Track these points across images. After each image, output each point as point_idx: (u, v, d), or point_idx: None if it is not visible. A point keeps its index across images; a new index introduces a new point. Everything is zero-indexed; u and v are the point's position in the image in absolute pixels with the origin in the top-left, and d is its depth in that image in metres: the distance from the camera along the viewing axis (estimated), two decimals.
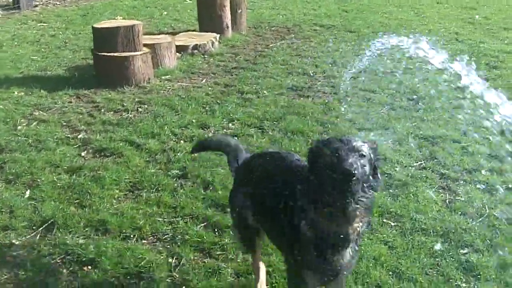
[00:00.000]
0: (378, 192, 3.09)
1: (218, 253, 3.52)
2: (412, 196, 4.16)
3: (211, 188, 4.25)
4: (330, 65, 7.51)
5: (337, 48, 8.34)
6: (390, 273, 3.35)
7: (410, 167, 4.63)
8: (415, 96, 6.32)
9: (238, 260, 3.44)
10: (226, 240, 3.62)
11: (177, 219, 3.88)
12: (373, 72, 7.15)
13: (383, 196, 4.12)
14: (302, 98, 6.26)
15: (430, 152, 4.90)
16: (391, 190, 4.25)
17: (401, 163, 4.68)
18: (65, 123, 5.53)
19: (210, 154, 4.76)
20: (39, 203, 4.03)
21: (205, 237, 3.65)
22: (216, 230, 3.75)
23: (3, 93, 6.29)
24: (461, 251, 3.57)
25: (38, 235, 3.68)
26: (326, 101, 6.15)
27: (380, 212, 3.95)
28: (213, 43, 8.18)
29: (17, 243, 3.59)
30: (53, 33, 9.20)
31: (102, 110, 5.86)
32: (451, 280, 3.30)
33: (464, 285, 3.27)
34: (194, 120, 5.55)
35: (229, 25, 8.87)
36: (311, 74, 7.10)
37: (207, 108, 5.90)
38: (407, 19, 10.49)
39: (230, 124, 5.50)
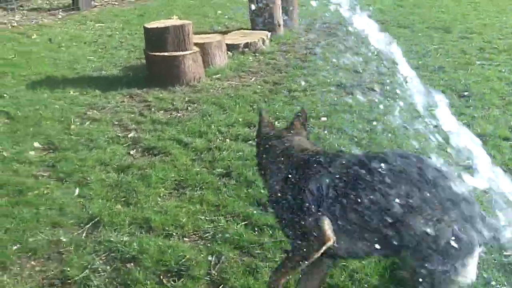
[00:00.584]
0: None
1: (257, 251, 3.58)
2: None
3: (253, 187, 4.31)
4: (380, 61, 7.43)
5: (388, 44, 8.24)
6: None
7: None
8: (466, 93, 6.21)
9: (276, 259, 3.48)
10: (265, 239, 3.67)
11: (219, 217, 3.96)
12: (424, 68, 7.07)
13: None
14: (350, 96, 6.25)
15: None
16: None
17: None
18: (116, 122, 5.70)
19: (253, 152, 4.83)
20: (87, 201, 4.18)
21: (244, 236, 3.71)
22: (256, 229, 3.80)
23: (59, 93, 6.52)
24: (505, 253, 3.52)
25: (85, 232, 3.83)
26: (374, 98, 6.11)
27: None
28: (264, 41, 8.24)
29: (64, 240, 3.74)
30: (110, 33, 9.45)
31: (153, 109, 6.00)
32: (492, 283, 3.25)
33: None
34: (240, 119, 5.62)
35: (281, 23, 8.91)
36: (361, 72, 7.06)
37: (254, 107, 5.97)
38: (464, 13, 10.27)
39: (276, 123, 5.54)
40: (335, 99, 6.13)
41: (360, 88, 6.47)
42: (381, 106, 5.84)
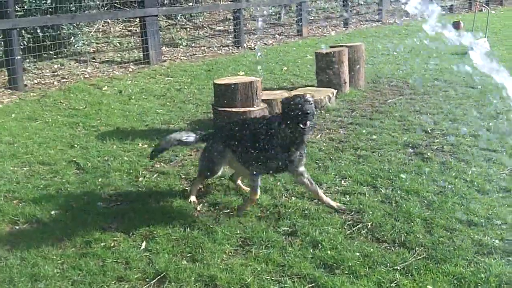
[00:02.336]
0: None
1: None
2: None
3: (320, 248, 4.22)
4: (450, 122, 7.31)
5: (458, 105, 8.12)
6: None
7: None
8: None
9: None
10: None
11: (284, 278, 3.88)
12: (495, 130, 6.90)
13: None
14: (418, 156, 6.12)
15: None
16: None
17: None
18: (183, 176, 5.74)
19: (320, 213, 4.77)
20: (154, 255, 4.18)
21: None
22: None
23: (129, 145, 6.65)
24: None
25: None
26: (444, 160, 5.96)
27: None
28: (329, 98, 8.23)
29: None
30: (178, 88, 9.66)
31: None
32: None
33: None
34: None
35: (347, 80, 8.91)
36: (429, 131, 6.94)
37: (320, 164, 5.91)
38: None
39: (342, 181, 5.47)
40: (403, 159, 6.01)
41: (429, 148, 6.33)
42: (452, 167, 5.70)
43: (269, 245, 4.31)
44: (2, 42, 9.66)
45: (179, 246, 4.33)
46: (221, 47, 13.85)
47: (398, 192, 5.18)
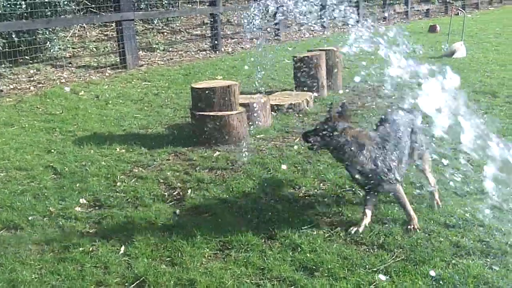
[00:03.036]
0: None
1: None
2: None
3: (299, 250, 4.23)
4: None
5: None
6: None
7: None
8: None
9: None
10: None
11: (264, 281, 3.88)
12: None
13: None
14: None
15: None
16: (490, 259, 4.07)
17: None
18: (162, 180, 5.72)
19: (299, 216, 4.78)
20: (133, 260, 4.16)
21: None
22: None
23: (106, 150, 6.61)
24: None
25: None
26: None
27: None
28: (308, 102, 8.28)
29: None
30: (156, 92, 9.64)
31: (198, 168, 6.02)
32: None
33: None
34: (284, 180, 5.59)
35: (325, 84, 8.96)
36: None
37: (298, 168, 5.94)
38: (510, 77, 10.18)
39: (321, 185, 5.49)
40: None
41: None
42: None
43: (248, 249, 4.30)
44: None
45: (158, 250, 4.31)
46: (199, 51, 13.85)
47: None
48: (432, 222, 4.62)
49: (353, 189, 5.31)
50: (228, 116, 6.73)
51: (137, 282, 3.88)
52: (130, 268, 4.05)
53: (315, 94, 8.74)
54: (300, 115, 7.94)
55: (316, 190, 5.38)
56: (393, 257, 4.13)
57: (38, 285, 3.86)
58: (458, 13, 20.63)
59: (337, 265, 4.02)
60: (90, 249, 4.33)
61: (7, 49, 10.59)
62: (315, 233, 4.50)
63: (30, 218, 4.89)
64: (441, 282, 3.79)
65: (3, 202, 5.20)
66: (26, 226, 4.75)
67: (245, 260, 4.13)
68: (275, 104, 8.00)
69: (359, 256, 4.16)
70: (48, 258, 4.21)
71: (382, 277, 3.85)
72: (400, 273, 3.92)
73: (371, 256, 4.16)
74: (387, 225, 4.60)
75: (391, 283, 3.82)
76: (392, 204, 4.93)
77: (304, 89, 8.73)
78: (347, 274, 3.91)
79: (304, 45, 14.40)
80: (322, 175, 5.69)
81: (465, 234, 4.42)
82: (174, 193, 5.40)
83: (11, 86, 10.02)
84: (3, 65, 10.73)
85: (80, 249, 4.33)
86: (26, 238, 4.54)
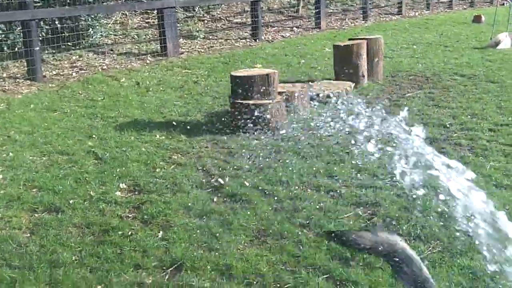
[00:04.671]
0: None
1: None
2: None
3: (335, 239, 4.23)
4: (469, 117, 7.27)
5: (477, 99, 8.08)
6: None
7: None
8: None
9: None
10: None
11: (299, 269, 3.90)
12: None
13: None
14: (436, 150, 6.08)
15: None
16: None
17: None
18: (200, 167, 5.78)
19: (335, 205, 4.78)
20: (171, 244, 4.22)
21: None
22: (338, 283, 3.72)
23: (146, 136, 6.70)
24: None
25: (167, 276, 3.86)
26: (462, 154, 5.94)
27: None
28: (347, 91, 8.22)
29: (147, 282, 3.78)
30: (195, 80, 9.69)
31: (235, 156, 6.06)
32: None
33: None
34: (321, 169, 5.58)
35: (365, 73, 8.89)
36: (448, 126, 6.91)
37: (336, 158, 5.92)
38: None
39: (358, 175, 5.47)
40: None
41: (447, 143, 6.31)
42: (469, 162, 5.67)
43: (284, 237, 4.33)
44: (21, 33, 9.74)
45: (195, 235, 4.36)
46: (239, 39, 13.86)
47: (415, 185, 5.16)
48: None
49: (392, 179, 5.27)
50: (267, 104, 6.74)
51: (174, 266, 3.95)
52: (168, 253, 4.12)
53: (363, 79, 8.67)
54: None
55: (353, 180, 5.36)
56: (430, 248, 4.10)
57: (78, 267, 3.95)
58: (504, 3, 20.17)
59: (373, 255, 4.00)
60: (129, 233, 4.41)
61: (50, 36, 10.80)
62: (351, 222, 4.50)
63: (71, 201, 4.99)
64: (478, 274, 3.76)
65: (45, 185, 5.32)
66: (67, 209, 4.86)
67: (280, 248, 4.16)
68: (314, 93, 7.97)
69: None
70: (88, 241, 4.31)
71: None
72: (437, 264, 3.89)
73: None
74: (424, 217, 4.56)
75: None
76: (429, 196, 4.88)
77: (344, 78, 8.67)
78: (382, 264, 3.89)
79: (345, 34, 14.30)
80: (360, 165, 5.66)
81: None
82: (211, 180, 5.45)
83: (54, 72, 10.21)
84: (46, 51, 10.94)
85: (119, 232, 4.41)
86: (67, 221, 4.64)
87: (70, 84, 9.26)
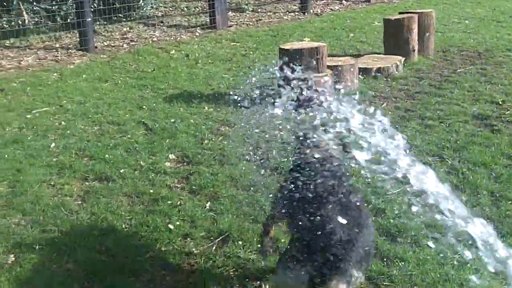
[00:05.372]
0: None
1: (385, 283, 3.49)
2: None
3: (383, 216, 4.22)
4: None
5: None
6: None
7: None
8: None
9: None
10: (395, 272, 3.57)
11: None
12: None
13: None
14: (488, 128, 5.97)
15: None
16: None
17: None
18: (247, 140, 5.79)
19: (383, 180, 4.73)
20: (218, 216, 4.28)
21: (373, 266, 3.63)
22: (385, 259, 3.71)
23: (195, 108, 6.75)
24: None
25: (214, 246, 3.91)
26: None
27: None
28: (397, 66, 8.10)
29: (195, 251, 3.84)
30: (244, 53, 9.68)
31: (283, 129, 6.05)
32: None
33: None
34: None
35: (416, 48, 8.72)
36: (500, 103, 6.75)
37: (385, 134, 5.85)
38: None
39: (407, 151, 5.40)
40: (472, 130, 5.88)
41: (499, 120, 6.17)
42: None
43: None
44: (74, 4, 9.88)
45: (242, 208, 4.40)
46: (287, 12, 13.74)
47: (465, 163, 5.09)
48: None
49: (441, 158, 5.21)
50: (315, 78, 6.69)
51: (221, 236, 4.00)
52: (215, 223, 4.18)
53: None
54: (389, 80, 7.79)
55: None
56: None
57: (128, 235, 4.05)
58: None
59: (421, 232, 3.98)
60: (178, 203, 4.48)
61: (101, 7, 10.92)
62: (399, 199, 4.46)
63: (121, 171, 5.10)
64: None
65: (96, 154, 5.43)
66: (118, 178, 4.96)
67: None
68: (363, 68, 7.87)
69: (444, 225, 4.08)
70: (138, 210, 4.41)
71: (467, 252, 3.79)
72: (486, 244, 3.83)
73: (455, 225, 4.08)
74: (475, 195, 4.49)
75: (476, 253, 3.75)
76: (480, 174, 4.81)
77: (394, 53, 8.53)
78: (429, 242, 3.87)
79: (395, 7, 14.02)
80: (409, 142, 5.59)
81: None
82: (258, 153, 5.46)
83: (105, 43, 10.34)
84: (98, 22, 11.08)
85: (168, 202, 4.49)
86: (118, 190, 4.75)
87: (121, 55, 9.38)
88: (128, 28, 11.43)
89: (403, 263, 3.64)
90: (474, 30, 11.26)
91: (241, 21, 12.61)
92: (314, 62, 6.72)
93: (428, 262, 3.65)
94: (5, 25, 10.20)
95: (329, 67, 7.06)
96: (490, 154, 5.27)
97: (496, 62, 8.68)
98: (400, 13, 9.37)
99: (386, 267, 3.62)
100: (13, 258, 3.79)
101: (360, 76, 7.70)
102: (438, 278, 3.50)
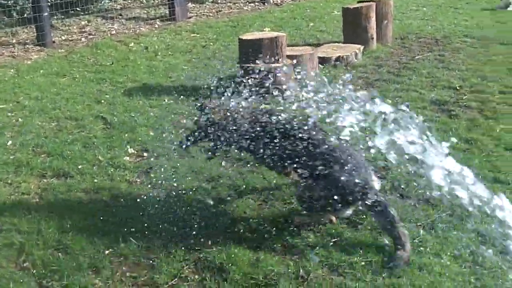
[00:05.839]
0: None
1: (346, 270, 3.50)
2: None
3: None
4: (479, 79, 7.19)
5: (487, 61, 7.98)
6: None
7: None
8: None
9: (366, 280, 3.40)
10: (355, 259, 3.59)
11: (308, 233, 3.91)
12: None
13: None
14: (445, 113, 6.05)
15: None
16: None
17: None
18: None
19: None
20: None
21: (334, 253, 3.65)
22: (346, 247, 3.72)
23: (154, 101, 6.68)
24: None
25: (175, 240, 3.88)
26: (472, 117, 5.89)
27: None
28: (356, 54, 8.14)
29: (155, 246, 3.80)
30: (204, 44, 9.61)
31: None
32: None
33: None
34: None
35: (374, 36, 8.77)
36: (457, 88, 6.84)
37: None
38: None
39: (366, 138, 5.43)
40: (430, 116, 5.94)
41: (457, 105, 6.25)
42: (479, 124, 5.64)
43: (292, 200, 4.32)
44: None
45: (205, 200, 4.38)
46: (247, 3, 13.68)
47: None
48: (480, 177, 4.53)
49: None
50: (274, 68, 6.68)
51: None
52: None
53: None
54: (348, 68, 7.82)
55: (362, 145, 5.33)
56: (439, 212, 4.10)
57: (87, 232, 3.97)
58: None
59: None
60: (138, 198, 4.41)
61: (58, 1, 10.71)
62: None
63: (79, 166, 5.02)
64: (487, 237, 3.76)
65: (54, 151, 5.34)
66: (76, 174, 4.88)
67: (288, 210, 4.19)
68: (322, 57, 7.89)
69: (404, 211, 4.13)
70: (99, 207, 4.33)
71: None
72: (445, 227, 3.89)
73: (417, 211, 4.14)
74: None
75: (436, 237, 3.80)
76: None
77: (353, 41, 8.56)
78: None
79: None
80: (368, 129, 5.62)
81: None
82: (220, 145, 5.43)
83: (63, 38, 10.15)
84: (55, 17, 10.87)
85: (128, 197, 4.43)
86: (76, 186, 4.67)
87: (79, 49, 9.22)
88: (86, 22, 11.24)
89: (364, 250, 3.66)
90: (432, 17, 11.39)
91: (200, 12, 12.52)
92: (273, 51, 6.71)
93: (390, 248, 3.67)
94: None
95: (288, 56, 7.05)
96: (448, 139, 5.31)
97: (453, 48, 8.80)
98: (358, 1, 9.40)
99: (347, 255, 3.64)
100: None
101: (320, 65, 7.71)
102: None
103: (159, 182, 4.66)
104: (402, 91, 6.81)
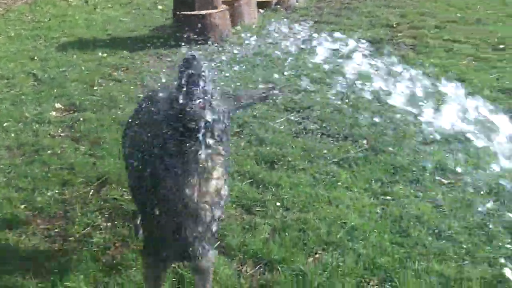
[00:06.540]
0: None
1: (257, 209, 3.53)
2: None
3: (263, 145, 4.24)
4: (418, 15, 7.18)
5: None
6: (430, 231, 3.21)
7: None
8: (501, 46, 5.92)
9: (277, 217, 3.44)
10: (268, 197, 3.62)
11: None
12: (460, 21, 6.80)
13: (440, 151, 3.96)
14: (379, 50, 6.04)
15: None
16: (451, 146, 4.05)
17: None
18: (139, 83, 5.70)
19: (269, 112, 4.77)
20: (98, 160, 4.20)
21: (248, 194, 3.67)
22: (260, 187, 3.75)
23: (89, 54, 6.58)
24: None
25: (92, 191, 3.86)
26: (403, 53, 5.90)
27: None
28: None
29: (71, 198, 3.79)
30: None
31: (175, 69, 5.96)
32: (494, 241, 3.11)
33: (508, 246, 3.08)
34: (260, 78, 5.53)
35: None
36: (394, 26, 6.83)
37: (278, 64, 5.86)
38: None
39: (296, 80, 5.43)
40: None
41: (391, 43, 6.25)
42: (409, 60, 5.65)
43: None
44: None
45: None
46: None
47: (351, 87, 5.15)
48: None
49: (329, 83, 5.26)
50: (209, 14, 6.60)
51: (100, 181, 3.94)
52: (95, 168, 4.11)
53: None
54: (288, 12, 7.75)
55: (292, 86, 5.33)
56: (357, 147, 4.13)
57: (4, 188, 3.93)
58: None
59: (298, 157, 4.03)
60: (59, 151, 4.38)
61: None
62: (282, 127, 4.50)
63: (4, 124, 4.94)
64: (399, 169, 3.81)
65: None
66: (1, 132, 4.81)
67: None
68: (262, 1, 7.79)
69: (322, 148, 4.16)
70: (17, 162, 4.28)
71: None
72: (360, 162, 3.93)
73: (335, 147, 4.17)
74: (355, 118, 4.56)
75: (350, 172, 3.84)
76: (364, 95, 4.88)
77: None
78: (306, 166, 3.93)
79: None
80: (296, 70, 5.60)
81: (433, 124, 4.38)
82: (148, 94, 5.38)
83: None
84: None
85: (49, 152, 4.39)
86: None
87: (17, 7, 9.00)
88: None
89: (276, 188, 3.69)
90: None
91: None
92: None
93: (301, 185, 3.70)
94: None
95: (224, 2, 6.95)
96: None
97: None
98: None
99: (260, 194, 3.66)
100: None
101: (259, 10, 7.62)
102: (309, 198, 3.55)
103: (82, 135, 4.61)
104: (339, 31, 6.75)
